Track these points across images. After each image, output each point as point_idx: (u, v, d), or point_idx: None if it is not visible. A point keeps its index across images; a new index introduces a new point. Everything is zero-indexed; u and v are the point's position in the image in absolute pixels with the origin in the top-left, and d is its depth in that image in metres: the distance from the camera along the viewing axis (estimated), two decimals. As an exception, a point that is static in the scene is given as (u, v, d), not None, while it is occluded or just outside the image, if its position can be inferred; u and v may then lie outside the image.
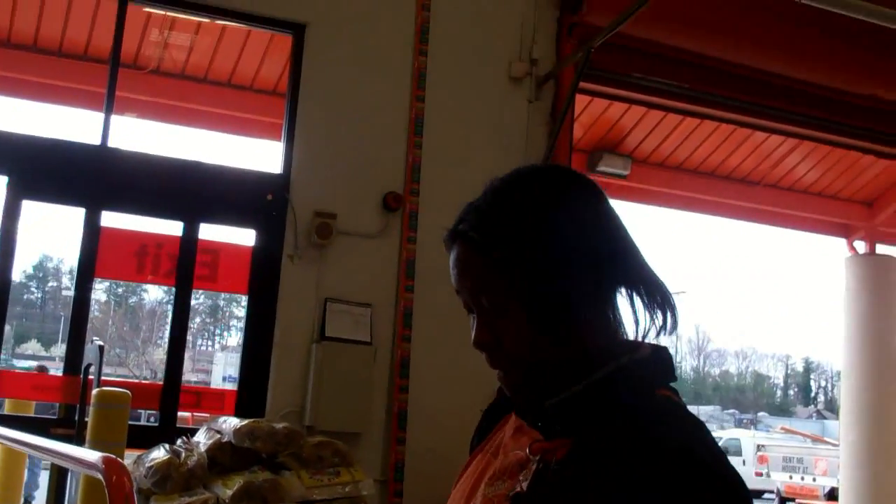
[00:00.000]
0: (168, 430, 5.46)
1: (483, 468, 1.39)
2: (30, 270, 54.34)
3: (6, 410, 6.65)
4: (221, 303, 52.17)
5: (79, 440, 4.61)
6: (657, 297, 1.29)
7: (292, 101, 6.05)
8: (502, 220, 1.27)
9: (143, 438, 4.88)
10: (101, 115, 5.75)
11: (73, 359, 5.48)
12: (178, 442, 4.41)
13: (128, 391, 4.46)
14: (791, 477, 21.72)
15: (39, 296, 55.84)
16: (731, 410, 59.40)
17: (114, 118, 5.77)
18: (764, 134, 9.23)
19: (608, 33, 5.90)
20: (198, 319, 52.92)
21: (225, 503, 3.94)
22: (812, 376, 70.61)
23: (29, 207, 5.60)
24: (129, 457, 4.18)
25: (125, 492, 2.41)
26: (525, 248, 1.25)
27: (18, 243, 5.54)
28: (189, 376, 43.84)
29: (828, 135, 8.61)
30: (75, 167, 5.62)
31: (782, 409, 63.67)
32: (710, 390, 67.92)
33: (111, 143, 5.73)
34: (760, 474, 22.71)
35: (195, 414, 8.47)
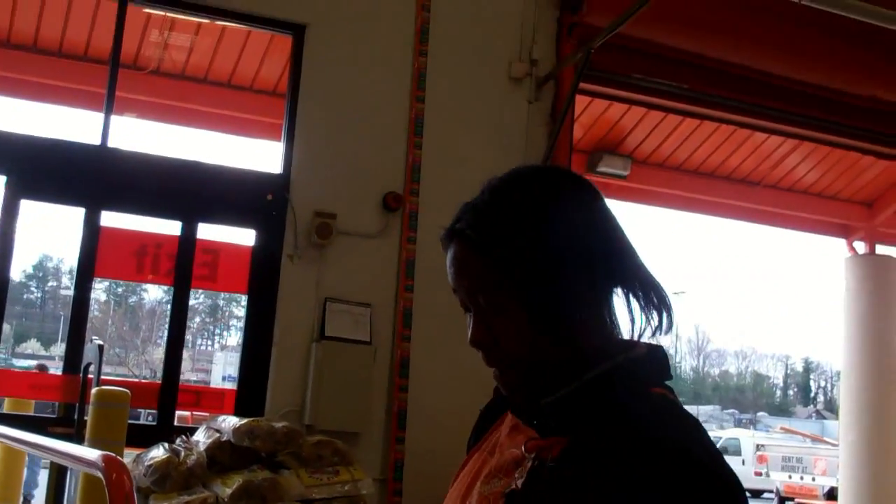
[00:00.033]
0: (166, 429, 5.47)
1: (479, 467, 1.39)
2: (30, 270, 54.35)
3: (6, 409, 6.65)
4: (221, 302, 52.19)
5: (78, 439, 4.61)
6: (653, 298, 1.30)
7: (292, 101, 6.06)
8: (500, 219, 1.28)
9: (141, 437, 4.88)
10: (101, 116, 5.76)
11: (73, 358, 5.48)
12: (178, 441, 4.42)
13: (127, 390, 4.47)
14: (790, 477, 21.72)
15: (39, 295, 55.85)
16: (731, 410, 59.38)
17: (114, 118, 5.77)
18: (764, 134, 9.23)
19: (608, 34, 5.90)
20: (198, 319, 52.93)
21: (224, 502, 3.95)
22: (812, 376, 70.60)
23: (28, 207, 5.60)
24: (128, 455, 4.18)
25: (125, 490, 2.42)
26: (523, 247, 1.25)
27: (18, 243, 5.54)
28: (189, 375, 43.82)
29: (828, 135, 8.61)
30: (75, 167, 5.63)
31: (782, 409, 63.65)
32: (709, 390, 67.90)
33: (111, 144, 5.73)
34: (760, 474, 22.71)
35: (195, 413, 8.49)
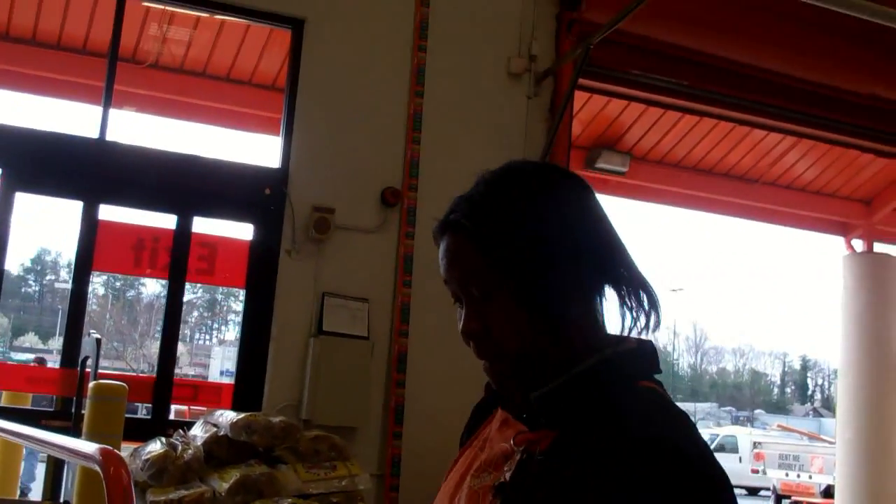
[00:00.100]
0: (161, 423, 5.47)
1: (470, 462, 1.40)
2: (28, 263, 54.36)
3: (3, 402, 6.65)
4: (219, 297, 52.23)
5: (75, 432, 4.61)
6: (642, 295, 1.30)
7: (291, 95, 6.05)
8: (496, 210, 1.28)
9: (135, 431, 4.87)
10: (99, 109, 5.75)
11: (71, 352, 5.48)
12: (175, 435, 4.42)
13: (124, 384, 4.47)
14: (787, 474, 21.75)
15: (37, 289, 55.84)
16: (728, 408, 59.49)
17: (112, 112, 5.77)
18: (762, 131, 9.24)
19: (607, 30, 5.90)
20: (196, 314, 52.95)
21: (221, 496, 3.95)
22: (809, 374, 70.72)
23: (25, 200, 5.59)
24: (125, 449, 4.18)
25: (123, 484, 2.41)
26: (518, 238, 1.26)
27: (15, 236, 5.54)
28: (187, 370, 43.88)
29: (826, 133, 8.61)
30: (73, 160, 5.62)
31: (779, 407, 63.76)
32: (707, 387, 68.02)
33: (109, 137, 5.72)
34: (757, 471, 22.76)
35: (192, 407, 8.49)
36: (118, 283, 49.00)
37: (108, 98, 5.77)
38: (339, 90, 6.10)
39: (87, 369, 5.10)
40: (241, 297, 6.20)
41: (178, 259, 5.76)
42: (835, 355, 11.04)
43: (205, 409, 5.69)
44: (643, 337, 1.31)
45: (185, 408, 9.88)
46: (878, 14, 5.57)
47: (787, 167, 10.23)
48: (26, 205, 5.68)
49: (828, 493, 18.70)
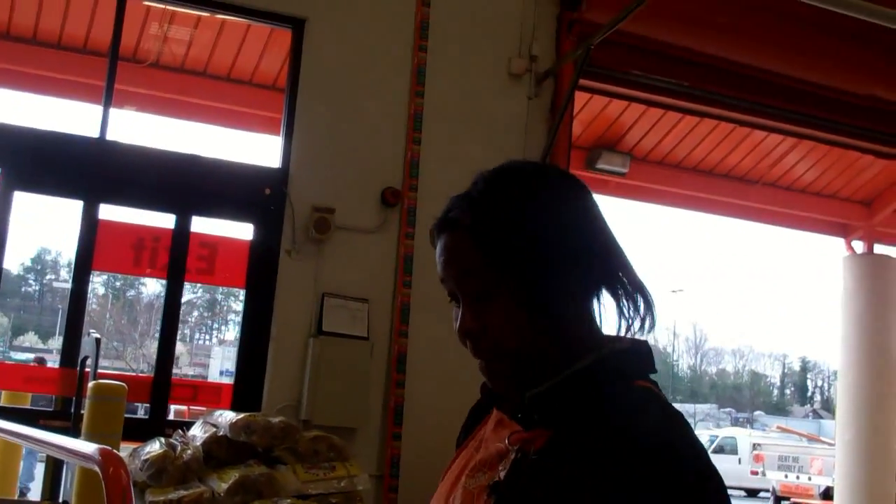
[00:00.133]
0: (158, 423, 5.46)
1: (465, 462, 1.40)
2: (28, 263, 54.35)
3: (3, 402, 6.64)
4: (219, 297, 52.22)
5: (75, 432, 4.61)
6: (637, 297, 1.31)
7: (291, 95, 6.05)
8: (495, 208, 1.28)
9: (134, 431, 4.86)
10: (99, 108, 5.75)
11: (70, 351, 5.48)
12: (175, 435, 4.41)
13: (124, 384, 4.46)
14: (787, 476, 21.75)
15: (37, 288, 55.84)
16: (728, 409, 59.51)
17: (112, 111, 5.77)
18: (763, 132, 9.24)
19: (608, 31, 5.90)
20: (195, 313, 52.95)
21: (220, 497, 3.95)
22: (809, 376, 70.71)
23: (25, 199, 5.59)
24: (124, 449, 4.17)
25: (122, 484, 2.41)
26: (518, 236, 1.26)
27: (15, 235, 5.54)
28: (186, 370, 43.90)
29: (826, 134, 8.61)
30: (73, 160, 5.62)
31: (779, 408, 63.76)
32: (706, 388, 68.02)
33: (110, 137, 5.72)
34: (756, 473, 22.75)
35: (192, 407, 8.49)
36: (118, 283, 49.01)
37: (108, 97, 5.76)
38: (339, 90, 6.10)
39: (87, 369, 5.10)
40: (241, 297, 6.20)
41: (177, 259, 5.76)
42: (835, 357, 11.04)
43: (204, 409, 5.69)
44: (639, 337, 1.31)
45: (184, 408, 9.89)
46: (876, 14, 5.57)
47: (787, 168, 10.23)
48: (26, 204, 5.67)
49: (827, 494, 18.70)
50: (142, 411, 5.84)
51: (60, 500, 4.78)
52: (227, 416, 4.35)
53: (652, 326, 1.30)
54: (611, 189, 10.14)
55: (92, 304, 41.27)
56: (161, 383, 5.69)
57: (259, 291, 5.87)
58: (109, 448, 2.59)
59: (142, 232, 5.81)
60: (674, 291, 60.50)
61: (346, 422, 5.69)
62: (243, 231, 6.05)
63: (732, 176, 10.26)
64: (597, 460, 1.15)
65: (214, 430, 4.31)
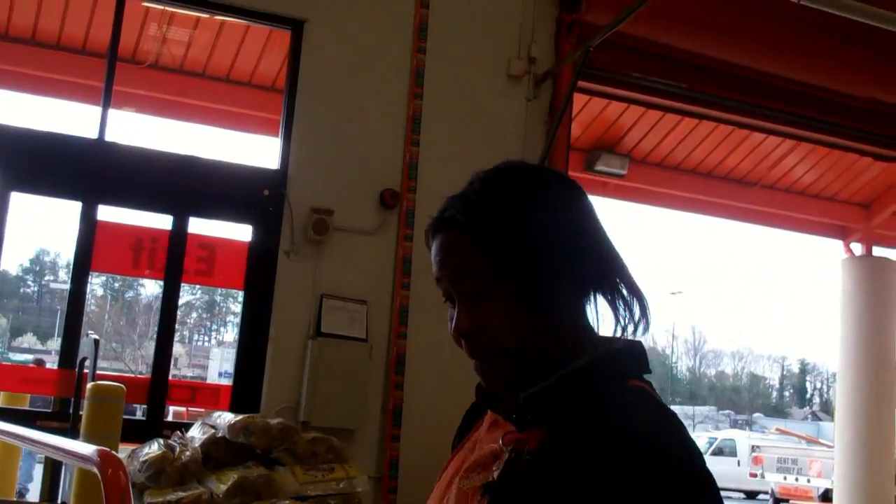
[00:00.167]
0: (156, 424, 5.46)
1: (460, 463, 1.39)
2: (27, 264, 54.29)
3: (1, 403, 6.64)
4: (218, 298, 52.18)
5: (73, 434, 4.60)
6: (632, 298, 1.31)
7: (290, 96, 6.05)
8: (493, 207, 1.28)
9: (131, 432, 4.84)
10: (98, 109, 5.75)
11: (69, 352, 5.48)
12: (173, 437, 4.41)
13: (122, 385, 4.46)
14: (785, 478, 21.75)
15: (36, 289, 55.79)
16: (727, 411, 59.48)
17: (111, 112, 5.76)
18: (762, 135, 9.24)
19: (607, 32, 5.90)
20: (194, 315, 52.90)
21: (219, 498, 3.95)
22: (808, 378, 70.72)
23: (21, 200, 5.58)
24: (122, 451, 4.17)
25: (121, 486, 2.41)
26: (516, 236, 1.25)
27: (15, 237, 5.56)
28: (185, 371, 43.87)
29: (826, 136, 8.61)
30: (72, 161, 5.62)
31: (777, 411, 63.75)
32: (705, 391, 68.02)
33: (108, 138, 5.72)
34: (755, 475, 22.74)
35: (190, 409, 8.49)
36: (117, 284, 48.98)
37: (107, 98, 5.76)
38: (338, 91, 6.10)
39: (86, 370, 5.09)
40: (240, 299, 6.20)
41: (175, 260, 5.75)
42: (833, 359, 11.04)
43: (203, 410, 5.68)
44: (634, 338, 1.31)
45: (183, 409, 9.88)
46: (875, 16, 5.57)
47: (785, 170, 10.23)
48: (25, 205, 5.67)
49: (826, 496, 18.70)
50: (140, 413, 5.83)
51: (59, 501, 4.78)
52: (225, 418, 4.35)
53: (647, 328, 1.30)
54: (609, 191, 10.14)
55: (90, 305, 41.26)
56: (158, 384, 5.68)
57: (258, 293, 5.87)
58: (108, 449, 2.59)
59: (140, 233, 5.80)
60: (673, 293, 60.53)
61: (344, 423, 5.69)
62: (242, 232, 6.05)
63: (731, 178, 10.26)
64: (591, 460, 1.15)
65: (213, 431, 4.31)
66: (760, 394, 69.64)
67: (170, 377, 5.87)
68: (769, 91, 7.69)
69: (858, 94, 7.88)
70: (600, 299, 1.31)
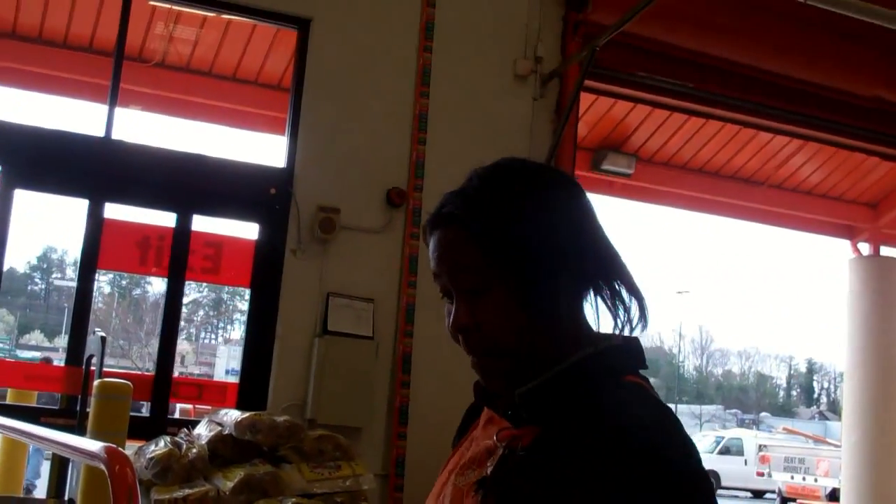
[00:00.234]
0: (161, 421, 5.47)
1: (457, 461, 1.40)
2: (34, 261, 54.46)
3: (9, 400, 6.66)
4: (225, 296, 52.26)
5: (80, 431, 4.62)
6: (628, 296, 1.31)
7: (297, 95, 6.05)
8: (492, 203, 1.28)
9: (135, 429, 4.85)
10: (105, 108, 5.76)
11: (76, 350, 5.49)
12: (180, 434, 4.42)
13: (129, 382, 4.48)
14: (793, 477, 21.68)
15: (43, 287, 55.96)
16: (734, 410, 59.41)
17: (118, 110, 5.78)
18: (769, 134, 9.22)
19: (613, 32, 5.89)
20: (201, 312, 53.00)
21: (225, 495, 3.95)
22: (815, 377, 70.59)
23: (30, 198, 5.60)
24: (128, 448, 4.18)
25: (128, 482, 2.42)
26: (515, 232, 1.25)
27: (22, 234, 5.64)
28: (192, 369, 43.95)
29: (833, 136, 8.60)
30: (79, 159, 5.63)
31: (785, 410, 63.65)
32: (712, 390, 67.93)
33: (115, 136, 5.73)
34: (762, 474, 22.69)
35: (197, 406, 8.50)
36: (124, 282, 49.09)
37: (114, 97, 5.78)
38: (344, 90, 6.10)
39: (93, 367, 5.11)
40: (247, 297, 6.21)
41: (179, 257, 5.76)
42: (841, 358, 11.01)
43: (210, 407, 5.70)
44: (631, 335, 1.31)
45: (189, 406, 9.90)
46: (883, 16, 5.56)
47: (793, 170, 10.21)
48: (32, 203, 5.69)
49: (833, 496, 18.64)
50: (145, 410, 5.85)
51: (66, 497, 4.80)
52: (232, 415, 4.35)
53: (645, 327, 1.30)
54: (616, 190, 10.13)
55: (98, 302, 41.38)
56: (162, 381, 5.69)
57: (264, 291, 5.88)
58: (115, 446, 2.60)
59: (147, 231, 5.82)
60: (680, 293, 60.53)
61: (351, 421, 5.70)
62: (248, 231, 6.06)
63: (738, 177, 10.24)
64: (585, 458, 1.14)
65: (220, 428, 4.32)
66: (767, 393, 69.52)
67: (177, 375, 5.89)
68: (775, 90, 7.68)
69: (865, 93, 7.86)
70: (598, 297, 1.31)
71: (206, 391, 6.25)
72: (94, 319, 7.73)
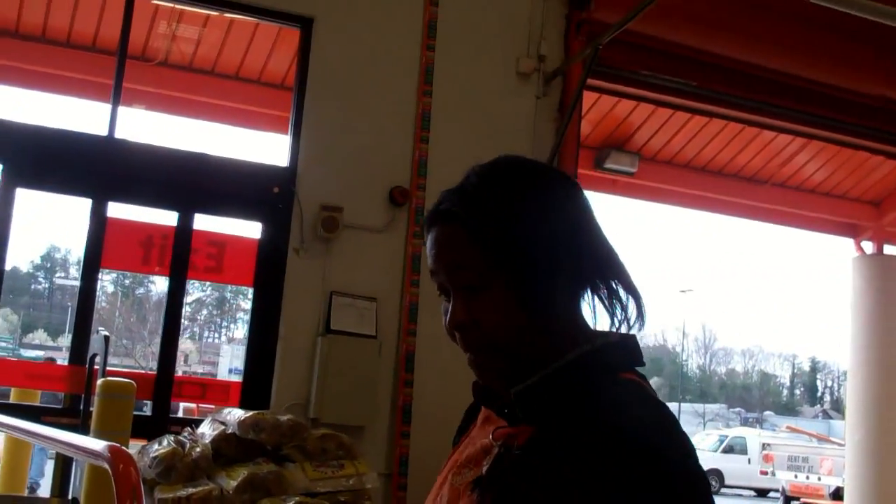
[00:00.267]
0: (162, 420, 5.47)
1: (455, 460, 1.39)
2: (38, 260, 54.52)
3: (12, 400, 6.67)
4: (228, 295, 52.29)
5: (84, 430, 4.62)
6: (628, 297, 1.31)
7: (299, 94, 6.05)
8: (491, 200, 1.28)
9: (136, 428, 4.84)
10: (108, 107, 5.76)
11: (79, 349, 5.50)
12: (183, 433, 4.42)
13: (132, 382, 4.48)
14: (796, 476, 21.67)
15: (47, 286, 56.02)
16: (737, 409, 59.40)
17: (121, 109, 5.78)
18: (772, 133, 9.21)
19: (616, 30, 5.89)
20: (205, 311, 53.03)
21: (229, 494, 3.95)
22: (818, 376, 70.52)
23: (31, 197, 5.59)
24: (132, 447, 4.19)
25: (132, 481, 2.42)
26: (514, 229, 1.25)
27: (24, 233, 5.64)
28: (196, 368, 43.98)
29: (836, 134, 8.59)
30: (82, 158, 5.63)
31: (788, 409, 63.63)
32: (716, 389, 67.89)
33: (118, 135, 5.74)
34: (766, 473, 22.68)
35: (200, 405, 8.51)
36: (127, 281, 49.13)
37: (117, 95, 5.78)
38: (347, 89, 6.10)
39: (96, 366, 5.11)
40: (250, 296, 6.21)
41: (181, 256, 5.76)
42: (844, 357, 11.00)
43: (213, 406, 5.70)
44: (628, 332, 1.31)
45: (193, 406, 9.91)
46: (886, 14, 5.54)
47: (796, 168, 10.21)
48: (35, 202, 5.70)
49: (837, 494, 18.64)
50: (146, 409, 5.85)
51: (70, 496, 4.80)
52: (235, 414, 4.35)
53: (642, 325, 1.30)
54: (619, 189, 10.13)
55: (101, 301, 41.39)
56: (164, 380, 5.70)
57: (267, 290, 5.88)
58: (119, 445, 2.60)
59: (150, 230, 5.82)
60: (683, 291, 60.48)
61: (354, 420, 5.70)
62: (251, 229, 6.06)
63: (741, 176, 10.24)
64: (582, 456, 1.14)
65: (223, 427, 4.32)
66: (771, 392, 69.46)
67: (180, 374, 5.89)
68: (779, 89, 7.67)
69: (869, 91, 7.86)
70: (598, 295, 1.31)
71: (210, 390, 6.26)
72: (98, 318, 7.73)
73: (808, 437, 27.71)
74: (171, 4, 6.77)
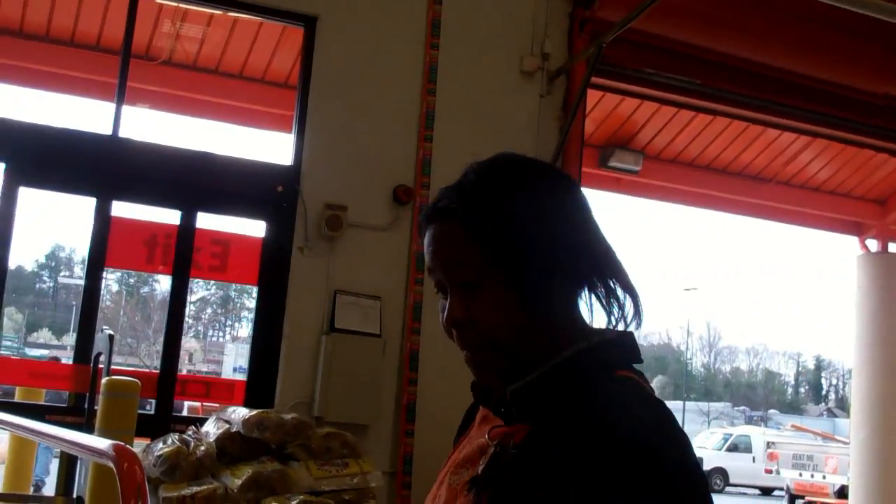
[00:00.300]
0: (165, 419, 5.48)
1: (453, 460, 1.39)
2: (42, 259, 54.60)
3: (17, 398, 6.68)
4: (233, 294, 52.34)
5: (88, 428, 4.63)
6: (625, 295, 1.30)
7: (303, 93, 6.06)
8: (489, 197, 1.27)
9: (140, 427, 4.84)
10: (112, 106, 5.77)
11: (84, 348, 5.51)
12: (188, 431, 4.43)
13: (137, 380, 4.49)
14: (801, 474, 21.63)
15: (52, 285, 56.12)
16: (742, 407, 59.32)
17: (125, 108, 5.79)
18: (776, 131, 9.20)
19: (620, 29, 5.88)
20: (209, 310, 53.08)
21: (233, 493, 3.96)
22: (823, 374, 70.45)
23: (36, 196, 5.61)
24: (136, 445, 4.19)
25: (136, 480, 2.41)
26: (513, 227, 1.25)
27: (29, 232, 5.62)
28: (200, 366, 44.03)
29: (841, 132, 8.58)
30: (86, 157, 5.64)
31: (793, 407, 63.55)
32: (720, 387, 67.85)
33: (122, 134, 5.74)
34: (770, 471, 22.65)
35: (205, 404, 8.53)
36: (132, 280, 49.20)
37: (121, 95, 5.79)
38: (351, 88, 6.10)
39: (101, 365, 5.12)
40: (255, 295, 6.22)
41: (184, 255, 5.77)
42: (849, 355, 10.99)
43: (217, 405, 5.70)
44: (625, 330, 1.31)
45: (197, 404, 9.93)
46: (889, 12, 5.53)
47: (800, 166, 10.19)
48: (40, 201, 5.71)
49: (842, 493, 18.60)
50: (149, 407, 5.86)
51: (75, 495, 4.81)
52: (240, 413, 4.36)
53: (639, 324, 1.30)
54: (623, 187, 10.11)
55: (106, 300, 41.45)
56: (168, 379, 5.70)
57: (272, 289, 5.89)
58: (124, 444, 2.60)
59: (154, 229, 5.83)
60: (687, 289, 60.39)
61: (358, 419, 5.70)
62: (256, 228, 6.07)
63: (746, 174, 10.22)
64: (580, 455, 1.13)
65: (227, 426, 4.32)
66: (776, 390, 69.39)
67: (185, 372, 5.90)
68: (783, 87, 7.66)
69: (873, 89, 7.85)
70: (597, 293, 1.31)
71: (214, 389, 6.27)
72: (102, 317, 7.75)
73: (812, 435, 27.67)
74: (174, 3, 6.78)
